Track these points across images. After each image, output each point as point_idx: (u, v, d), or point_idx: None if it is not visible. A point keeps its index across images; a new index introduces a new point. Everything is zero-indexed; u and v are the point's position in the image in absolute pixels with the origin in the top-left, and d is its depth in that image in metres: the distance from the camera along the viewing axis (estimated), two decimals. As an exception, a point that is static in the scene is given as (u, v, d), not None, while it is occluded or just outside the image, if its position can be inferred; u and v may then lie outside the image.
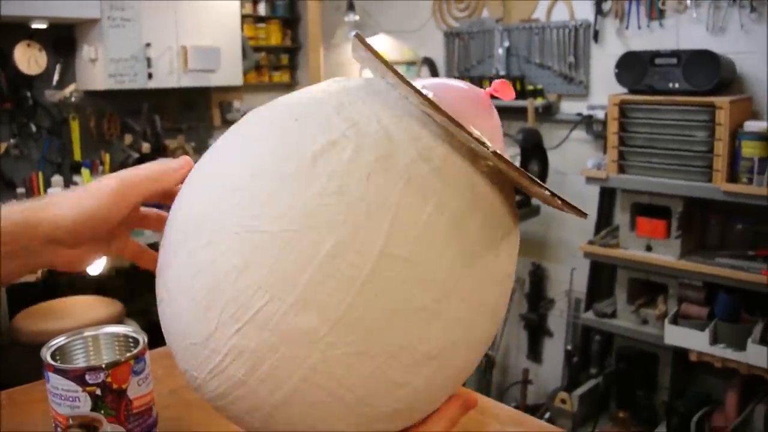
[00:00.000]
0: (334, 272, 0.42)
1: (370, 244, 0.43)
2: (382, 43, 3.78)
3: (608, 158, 2.60)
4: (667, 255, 2.51)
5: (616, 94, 2.56)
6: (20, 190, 3.30)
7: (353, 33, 0.47)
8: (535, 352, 3.33)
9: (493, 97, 0.52)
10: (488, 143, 0.43)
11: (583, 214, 0.46)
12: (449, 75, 3.41)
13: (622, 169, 2.59)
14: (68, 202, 0.51)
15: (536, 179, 0.44)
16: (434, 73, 3.52)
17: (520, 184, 0.48)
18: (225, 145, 0.51)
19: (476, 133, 0.44)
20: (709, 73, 2.35)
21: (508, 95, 0.50)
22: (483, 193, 0.47)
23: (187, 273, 0.46)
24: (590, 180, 2.67)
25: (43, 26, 3.17)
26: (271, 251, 0.43)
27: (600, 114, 2.85)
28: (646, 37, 2.74)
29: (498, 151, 0.43)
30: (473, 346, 0.48)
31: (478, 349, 0.49)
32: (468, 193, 0.46)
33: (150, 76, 3.35)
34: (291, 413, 0.45)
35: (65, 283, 3.27)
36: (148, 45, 3.32)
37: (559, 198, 0.44)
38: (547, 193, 0.44)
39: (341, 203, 0.43)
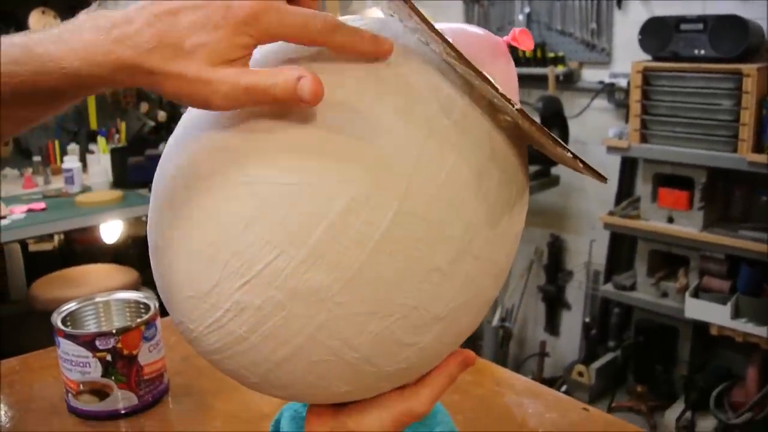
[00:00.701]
0: (347, 229, 0.41)
1: (387, 201, 0.41)
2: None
3: (630, 127, 2.54)
4: (689, 227, 2.45)
5: (639, 61, 2.49)
6: (36, 158, 3.30)
7: None
8: (552, 325, 3.31)
9: (511, 46, 0.49)
10: (513, 100, 0.41)
11: (603, 179, 0.44)
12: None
13: (644, 139, 2.52)
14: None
15: (558, 140, 0.42)
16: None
17: (542, 144, 0.47)
18: None
19: (500, 88, 0.41)
20: (736, 39, 2.27)
21: (527, 45, 0.48)
22: (501, 149, 0.46)
23: (188, 221, 0.44)
24: (611, 149, 2.62)
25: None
26: (282, 205, 0.41)
27: (622, 82, 2.78)
28: (672, 3, 2.65)
29: (522, 109, 0.41)
30: (480, 306, 0.48)
31: (484, 309, 0.48)
32: (487, 148, 0.45)
33: (165, 43, 3.30)
34: (292, 370, 0.44)
35: (82, 251, 3.28)
36: (162, 11, 3.27)
37: (580, 160, 0.43)
38: (568, 155, 0.42)
39: (358, 157, 0.41)
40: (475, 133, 0.44)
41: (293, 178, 0.41)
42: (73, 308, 1.05)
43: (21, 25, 2.63)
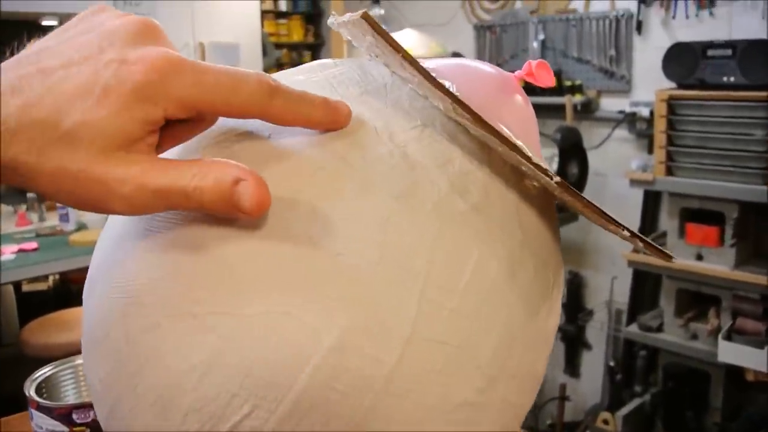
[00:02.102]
0: (344, 371, 0.31)
1: (395, 327, 0.31)
2: (409, 38, 3.62)
3: (655, 159, 2.42)
4: (720, 264, 2.32)
5: (664, 90, 2.37)
6: (31, 195, 3.18)
7: (357, 13, 0.33)
8: (572, 366, 3.15)
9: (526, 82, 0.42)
10: (551, 172, 0.33)
11: (669, 257, 0.38)
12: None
13: (670, 171, 2.40)
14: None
15: (612, 217, 0.35)
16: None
17: (594, 222, 0.38)
18: None
19: (534, 157, 0.33)
20: (767, 64, 2.16)
21: (546, 81, 0.41)
22: (533, 227, 0.37)
23: (127, 366, 0.33)
24: (634, 182, 2.50)
25: (54, 23, 3.05)
26: (247, 343, 0.30)
27: (644, 111, 2.67)
28: (695, 28, 2.55)
29: (563, 180, 0.33)
30: (520, 418, 0.39)
31: (523, 417, 0.40)
32: (517, 231, 0.36)
33: (166, 74, 3.21)
34: None
35: (77, 291, 3.15)
36: (163, 42, 3.19)
37: (640, 238, 0.36)
38: (625, 232, 0.35)
39: (349, 271, 0.31)
40: (501, 213, 0.35)
41: (260, 305, 0.30)
42: (49, 373, 0.91)
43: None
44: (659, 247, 0.36)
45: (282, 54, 4.14)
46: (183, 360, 0.31)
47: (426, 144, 0.34)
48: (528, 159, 0.32)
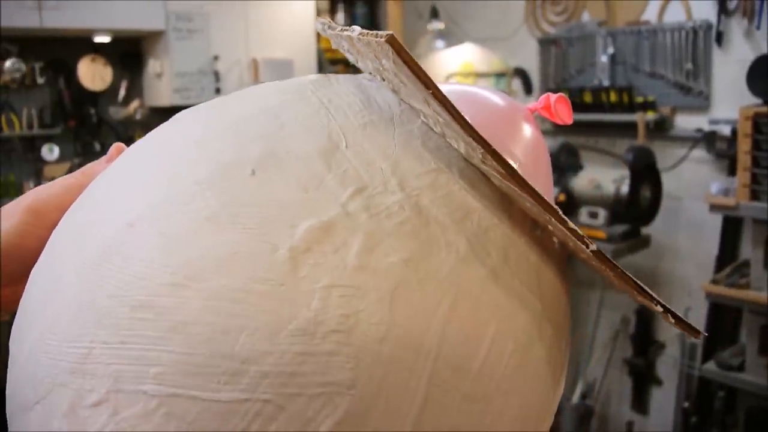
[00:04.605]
0: None
1: (397, 419, 0.26)
2: (469, 53, 3.48)
3: (738, 182, 2.21)
4: (812, 300, 2.10)
5: (749, 106, 2.17)
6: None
7: (379, 34, 0.28)
8: (640, 402, 2.93)
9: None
10: (587, 238, 0.29)
11: (698, 333, 0.33)
12: (545, 87, 3.06)
13: (755, 196, 2.18)
14: None
15: (645, 287, 0.30)
16: (527, 86, 3.18)
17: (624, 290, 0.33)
18: (108, 202, 0.31)
19: (569, 221, 0.29)
20: None
21: (563, 117, 0.37)
22: (552, 292, 0.32)
23: None
24: (714, 207, 2.28)
25: (107, 39, 3.02)
26: None
27: (725, 130, 2.46)
28: (783, 39, 2.34)
29: (599, 250, 0.30)
30: None
31: None
32: (536, 301, 0.31)
33: (218, 91, 3.15)
34: None
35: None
36: (216, 58, 3.12)
37: (672, 314, 0.31)
38: (657, 307, 0.31)
39: (346, 350, 0.26)
40: (520, 279, 0.31)
41: (233, 389, 0.25)
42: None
43: (71, 74, 2.52)
44: (689, 322, 0.32)
45: (337, 70, 4.06)
46: None
47: (442, 194, 0.30)
48: (564, 223, 0.29)
